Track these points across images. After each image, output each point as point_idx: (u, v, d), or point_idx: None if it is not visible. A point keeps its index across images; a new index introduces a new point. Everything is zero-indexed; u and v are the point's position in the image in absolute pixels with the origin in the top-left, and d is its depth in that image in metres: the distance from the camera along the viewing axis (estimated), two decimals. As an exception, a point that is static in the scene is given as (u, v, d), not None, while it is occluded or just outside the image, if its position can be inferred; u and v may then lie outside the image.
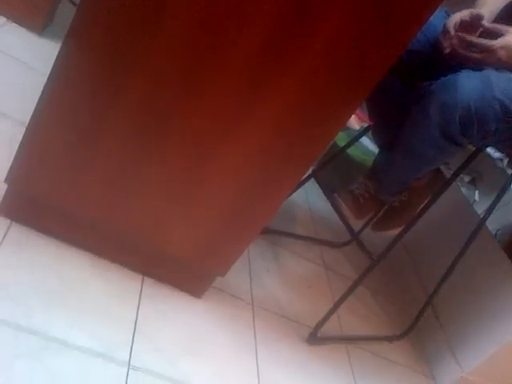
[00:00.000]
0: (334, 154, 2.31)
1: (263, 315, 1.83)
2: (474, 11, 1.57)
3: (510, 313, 2.00)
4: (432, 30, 1.61)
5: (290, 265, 2.19)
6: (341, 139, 2.69)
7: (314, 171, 2.14)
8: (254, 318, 1.78)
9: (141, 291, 1.56)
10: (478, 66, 1.53)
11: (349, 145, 2.20)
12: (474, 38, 1.52)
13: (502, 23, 1.57)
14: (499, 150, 1.94)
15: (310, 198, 2.70)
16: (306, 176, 2.10)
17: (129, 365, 1.36)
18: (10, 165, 1.39)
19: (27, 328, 1.28)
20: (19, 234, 1.47)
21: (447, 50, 1.55)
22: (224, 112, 1.32)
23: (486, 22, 1.56)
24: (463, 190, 2.66)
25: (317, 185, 2.16)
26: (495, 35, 1.52)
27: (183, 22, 1.19)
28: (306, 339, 1.87)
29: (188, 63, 1.24)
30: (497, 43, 1.50)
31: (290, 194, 1.88)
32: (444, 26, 1.57)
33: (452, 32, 1.54)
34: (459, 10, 1.60)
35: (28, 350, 1.24)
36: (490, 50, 1.50)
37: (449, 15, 1.65)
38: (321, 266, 2.32)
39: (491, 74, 1.50)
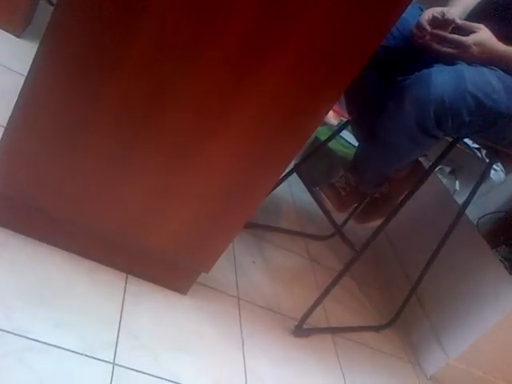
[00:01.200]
0: (316, 148, 2.33)
1: (249, 309, 1.84)
2: (446, 10, 1.61)
3: (491, 299, 2.03)
4: (406, 25, 1.64)
5: (275, 258, 2.21)
6: (322, 133, 2.72)
7: (296, 165, 2.15)
8: (239, 311, 1.80)
9: (125, 289, 1.56)
10: (451, 61, 1.56)
11: (330, 139, 2.21)
12: (447, 34, 1.56)
13: (473, 21, 1.61)
14: (475, 141, 1.97)
15: (293, 192, 2.72)
16: (288, 170, 2.12)
17: (114, 363, 1.35)
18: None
19: (9, 329, 1.27)
20: (0, 236, 1.46)
21: (421, 41, 1.58)
22: (206, 105, 1.33)
23: (458, 19, 1.59)
24: (444, 180, 2.69)
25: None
26: (467, 32, 1.56)
27: (165, 15, 1.20)
28: (292, 331, 1.88)
29: (168, 58, 1.25)
30: (470, 39, 1.53)
31: (274, 189, 1.90)
32: (418, 21, 1.60)
33: (426, 27, 1.57)
34: (433, 6, 1.63)
35: (11, 350, 1.23)
36: (463, 46, 1.53)
37: (423, 11, 1.68)
38: (306, 259, 2.34)
39: (464, 68, 1.52)
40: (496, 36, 1.55)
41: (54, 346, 1.31)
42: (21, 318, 1.31)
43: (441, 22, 1.58)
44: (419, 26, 1.59)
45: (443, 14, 1.59)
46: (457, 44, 1.54)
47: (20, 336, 1.28)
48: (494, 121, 1.54)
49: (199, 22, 1.21)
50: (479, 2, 1.75)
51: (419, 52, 1.61)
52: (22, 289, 1.39)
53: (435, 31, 1.57)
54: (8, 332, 1.27)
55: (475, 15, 1.71)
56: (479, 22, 1.57)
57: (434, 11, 1.60)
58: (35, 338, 1.29)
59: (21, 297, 1.36)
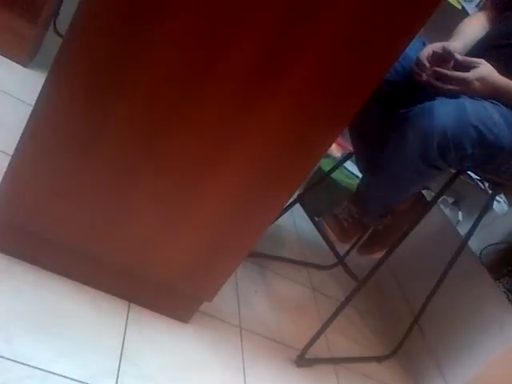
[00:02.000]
0: (319, 179, 2.34)
1: (251, 338, 1.84)
2: (447, 44, 1.63)
3: (494, 331, 2.02)
4: (409, 60, 1.65)
5: (277, 287, 2.21)
6: (325, 164, 2.72)
7: (299, 196, 2.16)
8: (241, 341, 1.79)
9: (127, 317, 1.56)
10: (454, 96, 1.57)
11: (333, 169, 2.23)
12: (448, 72, 1.57)
13: (474, 56, 1.62)
14: (477, 174, 1.98)
15: (296, 221, 2.72)
16: (291, 201, 2.13)
17: (115, 393, 1.36)
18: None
19: (10, 356, 1.27)
20: (3, 263, 1.47)
21: (424, 78, 1.60)
22: (211, 134, 1.34)
23: (458, 55, 1.61)
24: (447, 211, 2.69)
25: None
26: (467, 67, 1.57)
27: (174, 46, 1.22)
28: (294, 361, 1.87)
29: (173, 88, 1.27)
30: (471, 75, 1.55)
31: (277, 218, 1.91)
32: (417, 58, 1.62)
33: (426, 64, 1.59)
34: (437, 39, 1.65)
35: (11, 378, 1.23)
36: (465, 82, 1.55)
37: (425, 45, 1.70)
38: (308, 288, 2.34)
39: (466, 101, 1.54)
40: (498, 70, 1.57)
41: (55, 374, 1.30)
42: (22, 346, 1.31)
43: (441, 57, 1.60)
44: (419, 63, 1.61)
45: (444, 49, 1.61)
46: (458, 81, 1.55)
47: (21, 364, 1.27)
48: (496, 154, 1.55)
49: (205, 55, 1.23)
50: (479, 40, 1.77)
51: (421, 86, 1.63)
52: (24, 316, 1.39)
53: (436, 69, 1.58)
54: (9, 359, 1.26)
55: (476, 49, 1.73)
56: (480, 57, 1.59)
57: (435, 47, 1.62)
58: (36, 365, 1.29)
59: (23, 324, 1.36)
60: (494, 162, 1.59)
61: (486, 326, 2.07)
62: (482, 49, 1.72)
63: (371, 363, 2.16)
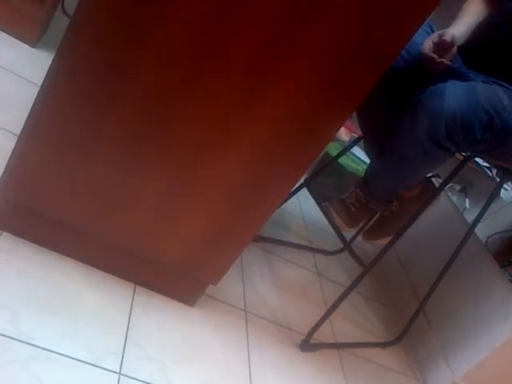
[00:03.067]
0: (326, 164, 2.33)
1: (256, 322, 1.84)
2: (442, 32, 1.62)
3: (499, 318, 2.02)
4: (416, 46, 1.65)
5: (283, 272, 2.21)
6: (333, 149, 2.72)
7: (306, 180, 2.16)
8: (246, 324, 1.80)
9: (132, 299, 1.57)
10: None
11: (340, 154, 2.22)
12: None
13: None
14: (485, 160, 1.97)
15: (303, 206, 2.72)
16: (298, 185, 2.12)
17: (120, 373, 1.36)
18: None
19: (15, 336, 1.27)
20: (10, 244, 1.47)
21: (437, 67, 1.60)
22: (219, 119, 1.34)
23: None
24: (454, 198, 2.69)
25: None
26: None
27: (178, 31, 1.21)
28: (299, 345, 1.88)
29: (183, 72, 1.26)
30: None
31: (283, 203, 1.90)
32: (422, 54, 1.62)
33: (435, 56, 1.59)
34: (445, 23, 1.65)
35: (15, 358, 1.23)
36: None
37: (433, 30, 1.69)
38: (314, 273, 2.34)
39: (477, 84, 1.53)
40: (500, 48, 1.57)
41: (60, 355, 1.31)
42: (27, 326, 1.32)
43: (441, 46, 1.60)
44: (428, 57, 1.60)
45: (440, 38, 1.60)
46: None
47: (26, 343, 1.28)
48: (505, 139, 1.54)
49: (206, 46, 1.23)
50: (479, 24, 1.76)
51: (427, 72, 1.62)
52: (30, 296, 1.39)
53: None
54: (14, 339, 1.27)
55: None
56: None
57: (433, 38, 1.61)
58: (41, 345, 1.30)
59: (28, 304, 1.37)
60: (503, 147, 1.58)
61: (491, 313, 2.07)
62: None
63: (376, 349, 2.16)
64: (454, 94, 1.49)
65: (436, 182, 1.99)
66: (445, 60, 1.58)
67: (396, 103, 1.70)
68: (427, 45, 1.61)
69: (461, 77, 1.61)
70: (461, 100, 1.48)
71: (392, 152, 1.71)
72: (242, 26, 1.21)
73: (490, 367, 2.06)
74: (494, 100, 1.50)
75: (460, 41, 1.65)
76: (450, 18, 1.71)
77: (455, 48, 1.61)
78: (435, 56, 1.59)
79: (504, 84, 1.58)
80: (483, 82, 1.56)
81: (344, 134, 2.82)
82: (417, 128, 1.55)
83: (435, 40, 1.61)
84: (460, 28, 1.69)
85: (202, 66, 1.25)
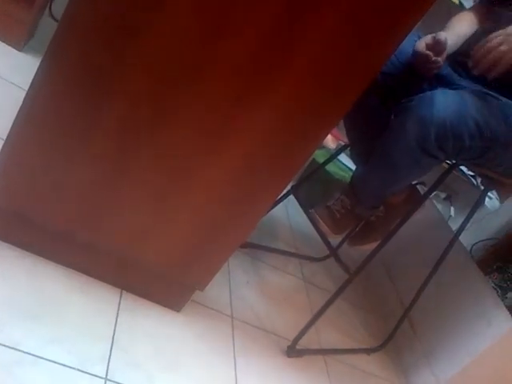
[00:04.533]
0: (313, 170, 2.34)
1: (242, 328, 1.84)
2: (435, 34, 1.63)
3: (483, 324, 2.04)
4: (405, 53, 1.66)
5: (269, 278, 2.21)
6: (320, 156, 2.73)
7: (292, 187, 2.16)
8: (233, 330, 1.80)
9: (119, 305, 1.56)
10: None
11: (327, 161, 2.23)
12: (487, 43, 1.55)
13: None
14: (470, 168, 1.99)
15: (290, 213, 2.73)
16: (285, 192, 2.13)
17: (106, 378, 1.35)
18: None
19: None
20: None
21: (436, 70, 1.61)
22: (206, 126, 1.34)
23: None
24: (439, 206, 2.70)
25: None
26: None
27: (168, 34, 1.22)
28: (285, 351, 1.88)
29: (169, 78, 1.26)
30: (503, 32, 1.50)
31: (270, 210, 1.90)
32: (417, 52, 1.62)
33: (430, 54, 1.60)
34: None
35: (0, 363, 1.22)
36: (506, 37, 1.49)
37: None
38: (300, 280, 2.35)
39: (466, 92, 1.55)
40: None
41: (46, 360, 1.30)
42: (12, 331, 1.31)
43: (434, 48, 1.61)
44: (420, 57, 1.61)
45: (434, 39, 1.61)
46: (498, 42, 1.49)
47: (10, 348, 1.27)
48: (491, 147, 1.55)
49: (200, 47, 1.23)
50: (475, 32, 1.78)
51: (417, 79, 1.63)
52: (15, 302, 1.38)
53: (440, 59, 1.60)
54: (-2, 344, 1.26)
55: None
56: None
57: (426, 39, 1.62)
58: (26, 350, 1.29)
59: (13, 310, 1.36)
60: (489, 156, 1.59)
61: (475, 320, 2.08)
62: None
63: (361, 355, 2.17)
64: (443, 102, 1.50)
65: (421, 189, 2.00)
66: (439, 58, 1.59)
67: (385, 110, 1.72)
68: (421, 44, 1.62)
69: (450, 84, 1.63)
70: (450, 108, 1.49)
71: (380, 158, 1.72)
72: (228, 34, 1.22)
73: (473, 373, 2.07)
74: (482, 108, 1.51)
75: (450, 49, 1.66)
76: (437, 28, 1.73)
77: (445, 53, 1.62)
78: (430, 53, 1.60)
79: (491, 93, 1.59)
80: (472, 90, 1.57)
81: (331, 141, 2.83)
82: (406, 135, 1.56)
83: (428, 41, 1.62)
84: (452, 37, 1.71)
85: (190, 71, 1.26)
